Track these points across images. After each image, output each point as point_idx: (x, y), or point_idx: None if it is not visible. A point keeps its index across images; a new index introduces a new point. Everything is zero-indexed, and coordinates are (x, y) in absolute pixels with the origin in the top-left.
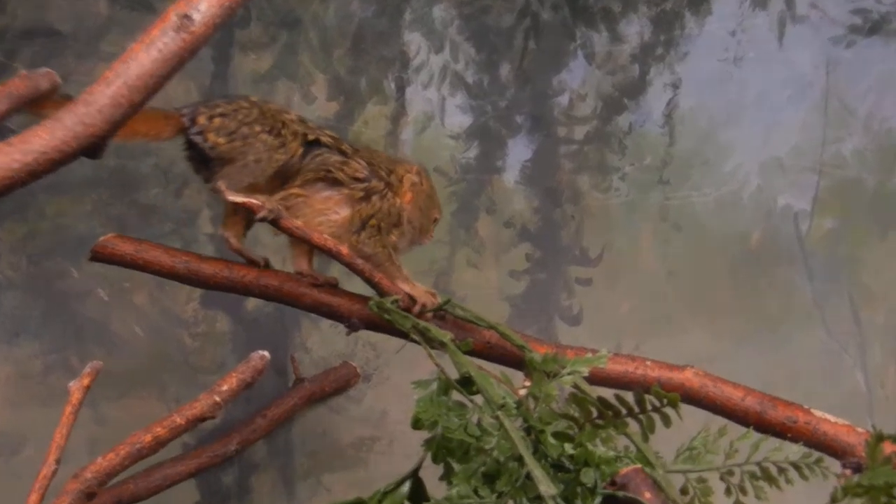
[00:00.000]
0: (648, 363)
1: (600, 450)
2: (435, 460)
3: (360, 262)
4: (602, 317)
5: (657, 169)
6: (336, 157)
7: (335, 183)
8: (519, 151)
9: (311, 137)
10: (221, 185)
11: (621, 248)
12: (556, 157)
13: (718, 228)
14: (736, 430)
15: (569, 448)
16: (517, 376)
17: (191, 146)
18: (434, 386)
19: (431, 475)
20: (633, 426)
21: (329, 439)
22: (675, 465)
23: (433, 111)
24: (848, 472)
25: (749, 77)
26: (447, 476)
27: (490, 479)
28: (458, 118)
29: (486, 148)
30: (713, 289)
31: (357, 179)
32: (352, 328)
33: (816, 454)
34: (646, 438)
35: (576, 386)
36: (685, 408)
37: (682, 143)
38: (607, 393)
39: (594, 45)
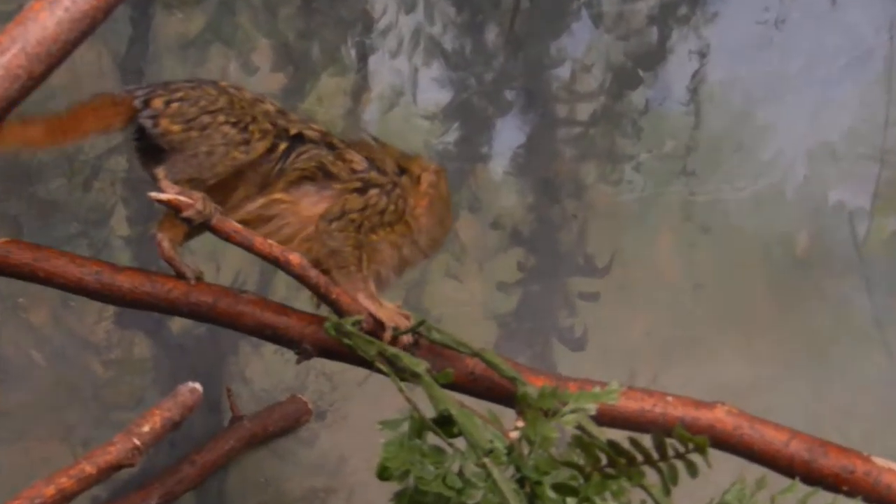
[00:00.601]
0: (670, 399)
1: None
2: None
3: (313, 273)
4: (612, 340)
5: (680, 157)
6: (325, 152)
7: (327, 179)
8: (509, 135)
9: (292, 131)
10: (160, 172)
11: (635, 255)
12: (555, 143)
13: (756, 231)
14: (778, 481)
15: (572, 503)
16: (508, 415)
17: (141, 135)
18: (405, 426)
19: None
20: (652, 476)
21: (273, 491)
22: None
23: (403, 85)
24: None
25: (794, 43)
26: None
27: None
28: (433, 94)
29: (469, 131)
30: (750, 305)
31: (354, 171)
32: (303, 355)
33: None
34: (667, 492)
35: (580, 427)
36: (715, 454)
37: (710, 125)
38: (619, 435)
39: (602, 2)
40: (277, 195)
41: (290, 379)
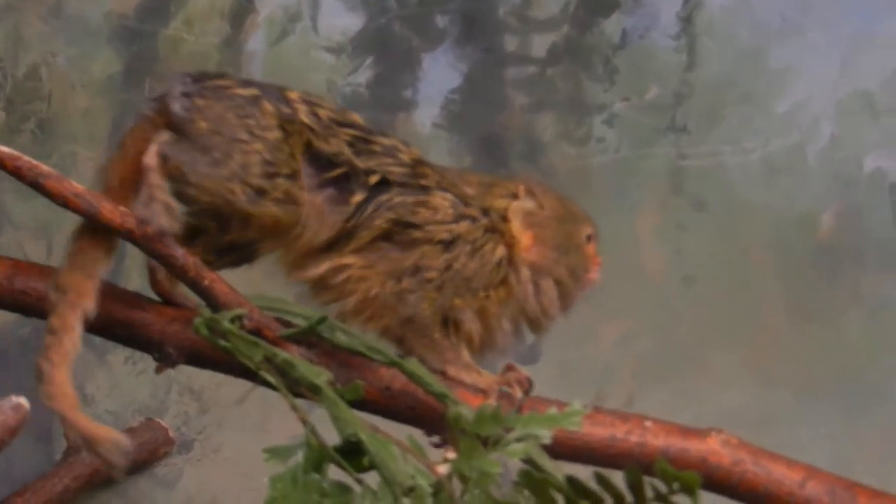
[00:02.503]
0: (649, 424)
1: None
2: None
3: (179, 252)
4: (574, 351)
5: (668, 108)
6: (411, 198)
7: (406, 231)
8: (441, 75)
9: (373, 180)
10: (164, 136)
11: (607, 238)
12: (502, 87)
13: (767, 207)
14: None
15: None
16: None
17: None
18: (299, 456)
19: None
20: None
21: None
22: None
23: (299, 6)
24: None
25: None
26: None
27: None
28: (339, 19)
29: (387, 69)
30: (758, 307)
31: (440, 222)
32: (164, 362)
33: None
34: None
35: (529, 460)
36: (709, 498)
37: (708, 67)
38: (582, 471)
39: None
40: (348, 259)
41: (145, 397)
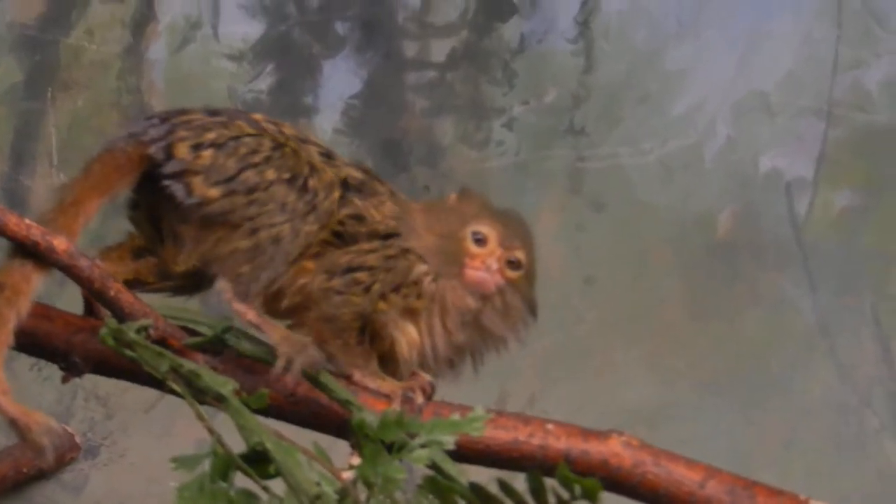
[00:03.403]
0: (551, 427)
1: None
2: None
3: (85, 263)
4: None
5: (566, 111)
6: (363, 201)
7: (353, 225)
8: (341, 81)
9: (341, 175)
10: (222, 284)
11: None
12: (402, 92)
13: (665, 207)
14: None
15: None
16: (341, 449)
17: (153, 186)
18: (206, 465)
19: None
20: None
21: None
22: None
23: (200, 15)
24: None
25: None
26: None
27: None
28: (240, 26)
29: (288, 75)
30: (658, 306)
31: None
32: (71, 371)
33: None
34: None
35: (434, 465)
36: (611, 499)
37: (605, 70)
38: (485, 475)
39: None
40: (307, 263)
41: (50, 403)
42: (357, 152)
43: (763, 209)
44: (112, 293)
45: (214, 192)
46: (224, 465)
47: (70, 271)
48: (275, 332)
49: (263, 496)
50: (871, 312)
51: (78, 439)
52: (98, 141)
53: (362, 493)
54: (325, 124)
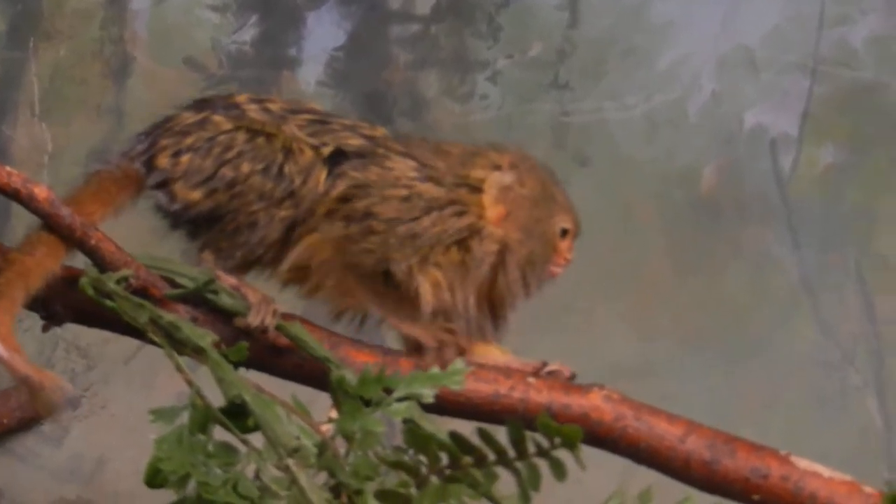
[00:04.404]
0: (532, 381)
1: None
2: None
3: (66, 212)
4: None
5: (550, 65)
6: (367, 162)
7: (361, 195)
8: (325, 33)
9: (325, 151)
10: (207, 255)
11: None
12: (386, 44)
13: (649, 162)
14: (672, 489)
15: None
16: (321, 402)
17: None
18: (184, 417)
19: None
20: (507, 480)
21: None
22: None
23: None
24: None
25: None
26: None
27: None
28: None
29: (272, 27)
30: (641, 261)
31: (395, 180)
32: (51, 321)
33: None
34: (526, 499)
35: (412, 420)
36: (591, 453)
37: (590, 23)
38: (466, 427)
39: None
40: (314, 237)
41: (31, 354)
42: (341, 104)
43: (747, 165)
44: (93, 242)
45: (196, 195)
46: (203, 418)
47: (51, 220)
48: (253, 294)
49: (242, 449)
50: (854, 269)
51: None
52: (80, 91)
53: (342, 447)
54: (309, 76)
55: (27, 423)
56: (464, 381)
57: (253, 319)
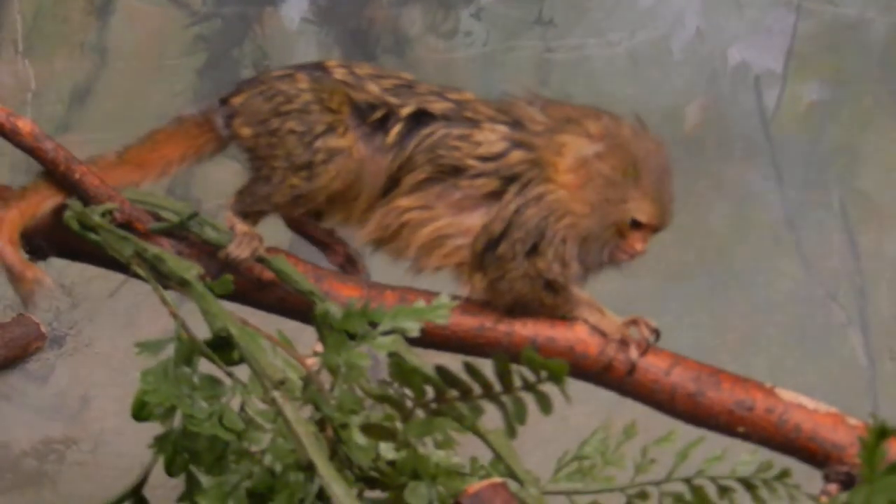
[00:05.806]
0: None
1: (437, 454)
2: (170, 471)
3: (50, 145)
4: None
5: (534, 1)
6: (456, 131)
7: (455, 174)
8: None
9: (405, 111)
10: (230, 199)
11: None
12: None
13: (633, 99)
14: (657, 424)
15: (387, 451)
16: (307, 336)
17: None
18: (170, 350)
19: (164, 497)
20: (492, 416)
21: None
22: (557, 481)
23: None
24: (833, 487)
25: None
26: (190, 496)
27: (260, 499)
28: None
29: None
30: None
31: (483, 158)
32: (36, 255)
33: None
34: (512, 433)
35: (396, 353)
36: (575, 388)
37: None
38: (451, 361)
39: None
40: (402, 201)
41: (13, 292)
42: (324, 41)
43: (731, 102)
44: (77, 175)
45: (246, 131)
46: (188, 351)
47: (35, 153)
48: (240, 228)
49: (227, 382)
50: (838, 206)
51: (43, 329)
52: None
53: (327, 381)
54: (293, 13)
55: (11, 361)
56: (449, 315)
57: (233, 250)
